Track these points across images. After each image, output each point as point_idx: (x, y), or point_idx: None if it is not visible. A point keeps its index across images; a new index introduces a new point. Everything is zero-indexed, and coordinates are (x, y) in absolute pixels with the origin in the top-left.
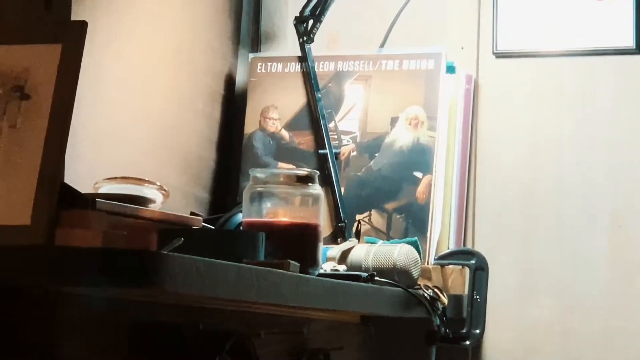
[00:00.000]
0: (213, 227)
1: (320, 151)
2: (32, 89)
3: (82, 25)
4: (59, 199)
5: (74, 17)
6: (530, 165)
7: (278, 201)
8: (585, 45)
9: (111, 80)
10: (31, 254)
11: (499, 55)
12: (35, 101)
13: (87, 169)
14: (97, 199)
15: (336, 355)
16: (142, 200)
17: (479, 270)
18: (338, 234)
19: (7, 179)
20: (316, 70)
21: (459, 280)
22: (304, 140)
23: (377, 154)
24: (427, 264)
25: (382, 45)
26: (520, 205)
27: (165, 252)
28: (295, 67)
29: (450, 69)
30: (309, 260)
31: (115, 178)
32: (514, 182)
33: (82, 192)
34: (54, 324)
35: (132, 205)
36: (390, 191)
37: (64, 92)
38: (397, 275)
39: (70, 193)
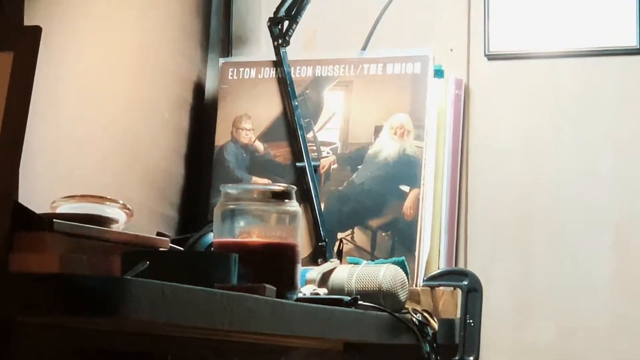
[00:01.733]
0: (181, 249)
1: (298, 164)
2: None
3: (36, 31)
4: (12, 221)
5: (26, 22)
6: (527, 175)
7: (252, 219)
8: (584, 46)
9: (68, 89)
10: None
11: (492, 57)
12: None
13: (43, 186)
14: (54, 220)
15: None
16: (103, 220)
17: (472, 292)
18: (318, 254)
19: None
20: (292, 75)
21: (450, 303)
22: (280, 153)
23: (359, 167)
24: (416, 285)
25: (364, 48)
26: (516, 220)
27: (129, 277)
28: (270, 72)
29: (439, 73)
30: (287, 283)
31: (74, 196)
32: (510, 195)
33: (38, 212)
34: (8, 356)
35: (92, 226)
36: (374, 207)
37: (17, 104)
38: (383, 298)
39: (24, 213)
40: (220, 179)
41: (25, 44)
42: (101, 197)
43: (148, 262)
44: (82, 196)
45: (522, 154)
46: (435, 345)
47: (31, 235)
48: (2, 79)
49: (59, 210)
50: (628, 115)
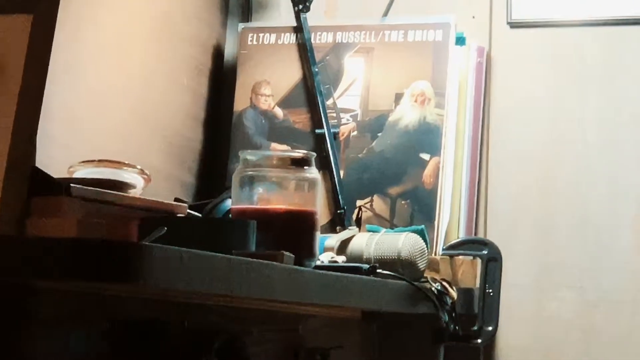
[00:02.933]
0: (199, 215)
1: (318, 131)
2: (2, 62)
3: None
4: (30, 185)
5: None
6: (550, 145)
7: (271, 186)
8: (609, 14)
9: (86, 55)
10: None
11: (514, 25)
12: (2, 79)
13: (61, 151)
14: (71, 185)
15: (335, 355)
16: (121, 186)
17: (492, 261)
18: (337, 222)
19: None
20: (313, 42)
21: (469, 272)
22: (300, 119)
23: (379, 134)
24: (435, 254)
25: (385, 15)
26: (538, 190)
27: (146, 243)
28: (290, 38)
29: (460, 40)
30: (305, 250)
31: (92, 161)
32: (532, 165)
33: (55, 177)
34: (25, 320)
35: (110, 192)
36: (394, 175)
37: (35, 68)
38: (402, 267)
39: (42, 178)
40: (238, 145)
41: (44, 7)
42: (119, 162)
43: (166, 228)
44: (100, 161)
45: (546, 122)
46: (454, 314)
47: (48, 200)
48: (21, 41)
49: (76, 175)
50: None
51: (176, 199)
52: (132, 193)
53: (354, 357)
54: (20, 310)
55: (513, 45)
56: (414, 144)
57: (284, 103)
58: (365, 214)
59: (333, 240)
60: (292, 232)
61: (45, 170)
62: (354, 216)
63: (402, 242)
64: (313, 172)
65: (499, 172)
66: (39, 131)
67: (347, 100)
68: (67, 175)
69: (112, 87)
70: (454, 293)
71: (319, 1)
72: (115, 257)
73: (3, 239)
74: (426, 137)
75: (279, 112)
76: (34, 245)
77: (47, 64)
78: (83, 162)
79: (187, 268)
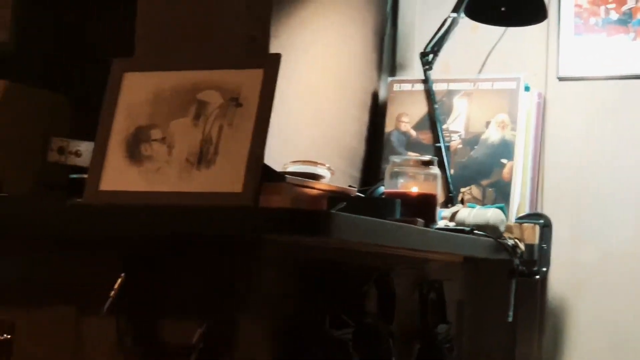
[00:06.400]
0: (364, 196)
1: (437, 144)
2: (244, 100)
3: (277, 57)
4: (261, 175)
5: (272, 50)
6: (585, 157)
7: (408, 178)
8: (636, 70)
9: (293, 95)
10: (242, 213)
11: (561, 79)
12: (245, 108)
13: (279, 154)
14: (286, 175)
15: (446, 284)
16: (316, 176)
17: (546, 227)
18: (449, 201)
19: (227, 161)
20: (434, 88)
21: (531, 233)
22: (426, 137)
23: (475, 147)
24: (510, 222)
25: (479, 72)
26: (574, 184)
27: (333, 212)
28: (420, 86)
29: (527, 88)
30: (430, 218)
31: (297, 161)
32: (571, 167)
33: (276, 170)
34: (256, 262)
35: (309, 180)
36: (484, 172)
37: (265, 103)
38: (489, 229)
39: (268, 171)
40: (387, 152)
41: (270, 65)
42: (314, 162)
43: (344, 203)
44: (303, 161)
45: (583, 143)
46: (522, 260)
47: (273, 185)
48: (256, 86)
49: (288, 170)
50: None
51: (349, 186)
52: (323, 182)
53: (458, 286)
54: (253, 256)
55: (560, 92)
56: (497, 153)
57: (416, 127)
58: (466, 197)
59: (447, 212)
60: (422, 206)
61: (270, 166)
62: (459, 198)
63: (490, 214)
64: (435, 170)
65: (550, 171)
66: (266, 142)
67: (455, 125)
68: (283, 170)
69: (309, 117)
70: (522, 246)
71: (438, 63)
72: (313, 220)
73: (246, 209)
74: (505, 149)
75: (413, 132)
76: (264, 213)
77: (272, 101)
78: (292, 161)
79: (357, 228)
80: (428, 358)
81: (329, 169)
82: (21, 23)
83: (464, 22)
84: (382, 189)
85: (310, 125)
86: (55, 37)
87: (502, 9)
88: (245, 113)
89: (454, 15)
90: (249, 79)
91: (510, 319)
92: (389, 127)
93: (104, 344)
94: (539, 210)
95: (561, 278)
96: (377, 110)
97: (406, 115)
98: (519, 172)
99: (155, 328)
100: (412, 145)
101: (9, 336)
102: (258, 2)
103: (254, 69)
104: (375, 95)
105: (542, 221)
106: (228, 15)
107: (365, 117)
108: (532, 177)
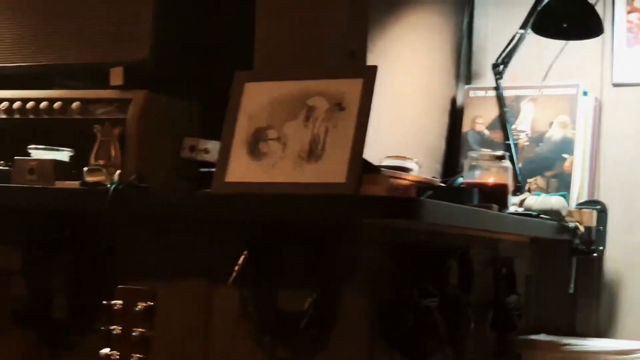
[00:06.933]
0: (446, 185)
1: (507, 142)
2: (346, 104)
3: (374, 68)
4: (361, 168)
5: (369, 62)
6: (636, 152)
7: (484, 170)
8: None
9: (385, 102)
10: (346, 200)
11: (615, 85)
12: (347, 112)
13: (375, 151)
14: (382, 168)
15: (516, 261)
16: (406, 169)
17: (602, 212)
18: (517, 190)
19: (333, 156)
20: (504, 94)
21: (590, 218)
22: (497, 136)
23: (540, 144)
24: (571, 208)
25: (543, 79)
26: (627, 175)
27: (422, 199)
28: (492, 93)
29: (585, 93)
30: (502, 205)
31: (391, 156)
32: (624, 161)
33: (373, 164)
34: (357, 242)
35: (401, 172)
36: (548, 165)
37: (364, 107)
38: (553, 214)
39: (367, 164)
40: (465, 149)
41: (368, 76)
42: (405, 157)
43: (431, 192)
44: (395, 156)
45: (634, 140)
46: (581, 240)
47: (371, 176)
48: (356, 93)
49: (383, 163)
50: None
51: (433, 177)
52: (412, 174)
53: (527, 263)
54: (355, 237)
55: (614, 96)
56: (560, 149)
57: (489, 127)
58: (532, 186)
59: (516, 199)
60: (496, 194)
61: (369, 160)
62: (527, 187)
63: (554, 201)
64: (506, 163)
65: (606, 165)
66: (365, 140)
67: (523, 126)
68: (379, 163)
69: (400, 119)
70: (581, 229)
71: (508, 73)
72: (406, 206)
73: (349, 197)
74: (566, 145)
75: (486, 132)
76: (365, 200)
77: (370, 106)
78: (387, 157)
79: (443, 212)
80: (500, 324)
81: (416, 163)
82: (160, 40)
83: (530, 37)
84: (460, 179)
85: (401, 126)
86: (186, 52)
87: (564, 25)
88: (347, 116)
89: (522, 31)
90: (350, 87)
91: (571, 291)
92: (465, 127)
93: (230, 310)
94: (595, 198)
95: (615, 257)
96: (456, 114)
97: (480, 117)
98: (578, 165)
99: (272, 297)
100: (485, 143)
101: (152, 303)
102: (357, 22)
103: (354, 79)
104: (454, 101)
105: (599, 207)
106: (332, 33)
107: (445, 119)
108: (590, 169)
